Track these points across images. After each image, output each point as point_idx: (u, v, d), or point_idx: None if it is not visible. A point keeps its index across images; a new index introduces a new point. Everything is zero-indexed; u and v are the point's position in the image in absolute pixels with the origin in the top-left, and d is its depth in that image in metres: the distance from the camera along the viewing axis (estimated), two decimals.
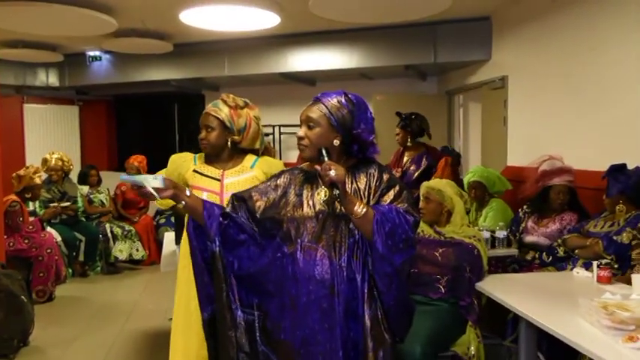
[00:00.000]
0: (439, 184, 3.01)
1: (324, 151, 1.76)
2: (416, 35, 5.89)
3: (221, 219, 1.88)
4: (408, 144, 5.06)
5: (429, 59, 5.89)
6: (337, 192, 1.71)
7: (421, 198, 3.01)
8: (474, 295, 2.72)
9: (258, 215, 1.88)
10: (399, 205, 1.77)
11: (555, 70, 4.44)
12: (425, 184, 3.07)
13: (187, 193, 1.90)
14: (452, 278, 2.74)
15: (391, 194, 1.80)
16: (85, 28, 5.32)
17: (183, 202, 1.87)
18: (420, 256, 2.82)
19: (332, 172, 1.67)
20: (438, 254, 2.79)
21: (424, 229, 2.94)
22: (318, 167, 1.76)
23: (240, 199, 1.93)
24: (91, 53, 7.31)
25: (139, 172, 6.59)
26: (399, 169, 5.00)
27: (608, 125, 3.82)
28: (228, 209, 1.92)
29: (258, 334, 1.84)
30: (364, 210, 1.71)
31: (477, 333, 2.70)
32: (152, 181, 1.80)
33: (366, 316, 1.74)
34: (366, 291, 1.75)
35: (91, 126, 9.01)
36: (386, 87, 7.09)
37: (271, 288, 1.82)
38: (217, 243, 1.87)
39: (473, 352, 2.66)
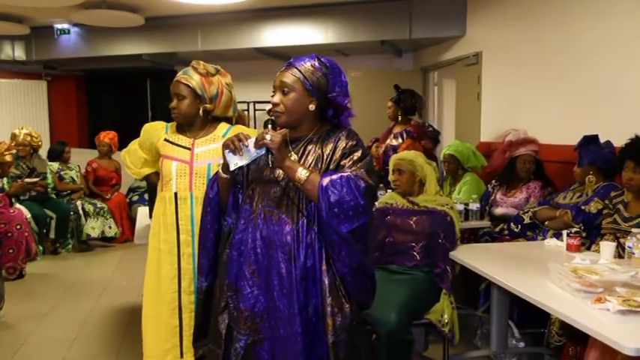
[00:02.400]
0: (409, 154, 3.03)
1: (269, 125, 1.75)
2: (391, 10, 5.87)
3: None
4: (399, 118, 4.92)
5: (405, 35, 5.88)
6: (270, 158, 1.71)
7: (392, 170, 3.02)
8: (448, 263, 2.76)
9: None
10: (355, 170, 1.73)
11: (528, 45, 4.48)
12: (394, 157, 3.07)
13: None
14: (426, 245, 2.78)
15: (350, 158, 1.76)
16: None
17: (226, 176, 1.88)
18: (394, 225, 2.84)
19: (267, 137, 1.67)
20: (412, 222, 2.82)
21: (397, 200, 2.96)
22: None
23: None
24: (59, 26, 7.08)
25: (110, 149, 6.48)
26: (382, 145, 4.95)
27: (577, 100, 3.89)
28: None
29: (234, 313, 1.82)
30: (307, 175, 1.69)
31: (450, 300, 2.75)
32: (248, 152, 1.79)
33: (325, 282, 1.74)
34: (323, 257, 1.75)
35: (60, 101, 8.79)
36: (361, 63, 7.07)
37: (236, 257, 1.81)
38: (232, 219, 1.90)
39: (447, 320, 2.70)
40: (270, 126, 1.75)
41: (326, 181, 1.68)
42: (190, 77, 2.40)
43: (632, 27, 3.39)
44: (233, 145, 1.76)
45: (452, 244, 2.79)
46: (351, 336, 1.76)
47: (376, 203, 2.83)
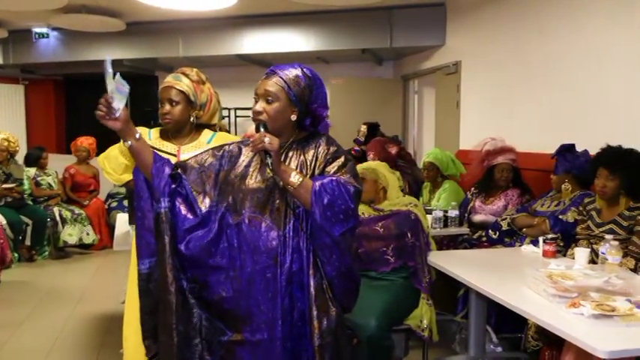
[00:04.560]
0: (371, 164, 3.17)
1: (261, 128, 1.75)
2: (372, 19, 5.94)
3: (171, 181, 1.82)
4: None
5: (385, 44, 5.96)
6: (269, 160, 1.70)
7: None
8: (422, 262, 2.78)
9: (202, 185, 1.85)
10: (341, 176, 1.76)
11: (506, 55, 4.57)
12: (358, 167, 3.14)
13: (137, 135, 1.82)
14: (396, 246, 2.81)
15: (335, 165, 1.79)
16: (32, 1, 5.10)
17: (129, 143, 1.80)
18: (363, 235, 2.86)
19: (266, 139, 1.67)
20: (379, 228, 2.85)
21: (364, 211, 2.99)
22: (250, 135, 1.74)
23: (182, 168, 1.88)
24: (38, 30, 7.01)
25: (88, 154, 6.41)
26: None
27: (554, 108, 3.98)
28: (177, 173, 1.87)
29: (195, 302, 1.81)
30: (300, 180, 1.70)
31: (429, 304, 2.77)
32: (117, 93, 1.76)
33: (312, 286, 1.75)
34: (311, 261, 1.76)
35: (38, 106, 8.68)
36: (342, 71, 7.13)
37: (216, 260, 1.79)
38: (164, 204, 1.79)
39: (426, 325, 2.73)
40: (262, 129, 1.74)
41: (318, 185, 1.70)
42: (182, 82, 2.38)
43: (607, 36, 3.48)
44: (103, 111, 1.79)
45: (422, 242, 2.81)
46: (336, 339, 1.77)
47: None
